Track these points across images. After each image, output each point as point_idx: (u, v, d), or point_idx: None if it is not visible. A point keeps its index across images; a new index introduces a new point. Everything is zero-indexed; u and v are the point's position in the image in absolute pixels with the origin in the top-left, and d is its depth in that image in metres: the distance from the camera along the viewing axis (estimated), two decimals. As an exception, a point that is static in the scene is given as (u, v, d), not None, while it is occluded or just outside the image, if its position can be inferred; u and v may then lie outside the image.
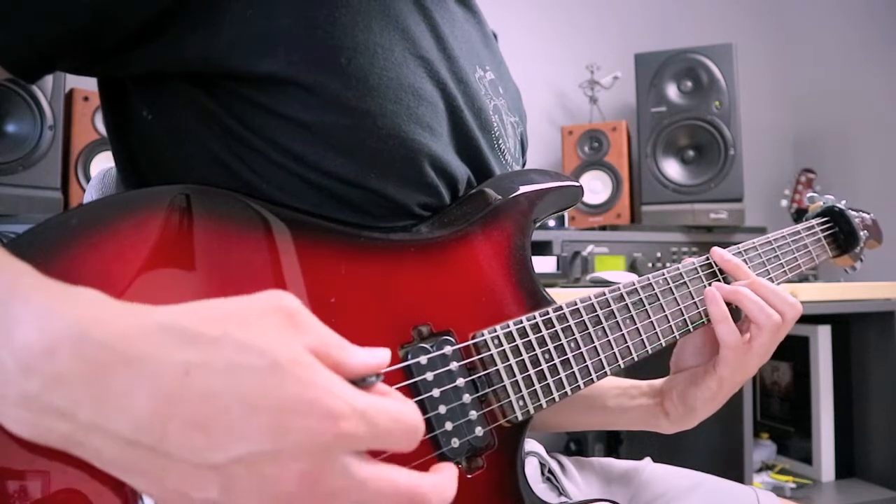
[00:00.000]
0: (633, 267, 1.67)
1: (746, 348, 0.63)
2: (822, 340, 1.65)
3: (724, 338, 0.62)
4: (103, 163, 1.42)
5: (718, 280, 0.66)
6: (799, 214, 1.85)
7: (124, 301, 0.32)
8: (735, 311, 0.64)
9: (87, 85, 1.45)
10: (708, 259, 0.66)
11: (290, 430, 0.30)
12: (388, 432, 0.32)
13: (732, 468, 1.42)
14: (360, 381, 0.34)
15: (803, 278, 1.73)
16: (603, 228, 1.83)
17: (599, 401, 0.74)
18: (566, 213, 1.82)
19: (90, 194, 0.80)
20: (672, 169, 1.84)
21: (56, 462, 0.35)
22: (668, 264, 0.62)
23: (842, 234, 0.82)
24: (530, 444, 0.80)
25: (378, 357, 0.35)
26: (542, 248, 1.56)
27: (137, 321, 0.30)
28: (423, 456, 0.47)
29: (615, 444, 1.72)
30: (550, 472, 0.77)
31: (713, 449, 1.50)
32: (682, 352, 0.70)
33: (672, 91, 1.83)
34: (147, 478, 0.31)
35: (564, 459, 0.81)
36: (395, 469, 0.34)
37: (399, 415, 0.33)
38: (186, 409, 0.29)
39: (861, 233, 0.82)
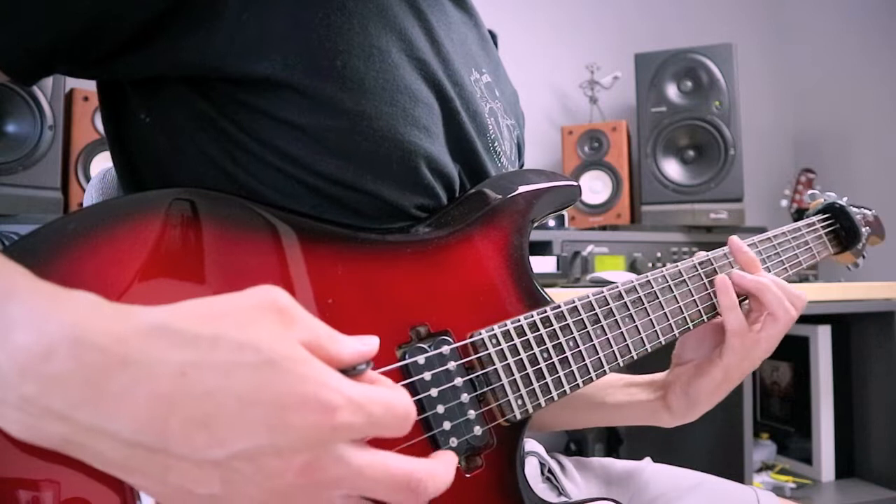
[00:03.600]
0: (633, 267, 1.67)
1: (756, 339, 0.63)
2: (822, 340, 1.65)
3: (732, 325, 0.63)
4: (103, 163, 1.42)
5: (719, 277, 0.65)
6: (799, 214, 1.85)
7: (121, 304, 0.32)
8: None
9: (87, 85, 1.45)
10: (707, 257, 0.66)
11: (288, 425, 0.31)
12: (381, 420, 0.33)
13: (732, 468, 1.42)
14: (351, 370, 0.35)
15: (803, 278, 1.73)
16: (603, 228, 1.83)
17: (598, 397, 0.74)
18: (566, 213, 1.82)
19: (90, 194, 0.80)
20: (672, 169, 1.84)
21: (54, 463, 0.35)
22: (668, 264, 0.62)
23: (843, 231, 0.82)
24: (530, 444, 0.80)
25: (368, 344, 0.36)
26: (542, 248, 1.56)
27: (132, 323, 0.31)
28: (421, 454, 0.47)
29: (615, 444, 1.72)
30: (550, 471, 0.77)
31: (713, 449, 1.50)
32: (683, 345, 0.69)
33: (672, 91, 1.83)
34: (148, 477, 0.31)
35: (564, 459, 0.81)
36: (391, 455, 0.34)
37: (391, 402, 0.34)
38: (185, 408, 0.30)
39: (863, 229, 0.81)
